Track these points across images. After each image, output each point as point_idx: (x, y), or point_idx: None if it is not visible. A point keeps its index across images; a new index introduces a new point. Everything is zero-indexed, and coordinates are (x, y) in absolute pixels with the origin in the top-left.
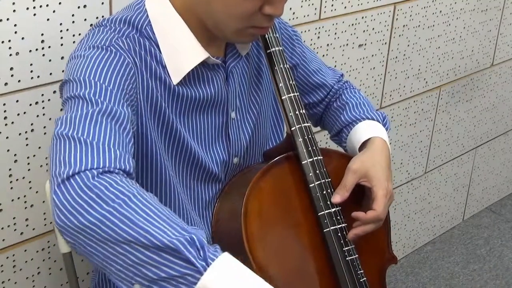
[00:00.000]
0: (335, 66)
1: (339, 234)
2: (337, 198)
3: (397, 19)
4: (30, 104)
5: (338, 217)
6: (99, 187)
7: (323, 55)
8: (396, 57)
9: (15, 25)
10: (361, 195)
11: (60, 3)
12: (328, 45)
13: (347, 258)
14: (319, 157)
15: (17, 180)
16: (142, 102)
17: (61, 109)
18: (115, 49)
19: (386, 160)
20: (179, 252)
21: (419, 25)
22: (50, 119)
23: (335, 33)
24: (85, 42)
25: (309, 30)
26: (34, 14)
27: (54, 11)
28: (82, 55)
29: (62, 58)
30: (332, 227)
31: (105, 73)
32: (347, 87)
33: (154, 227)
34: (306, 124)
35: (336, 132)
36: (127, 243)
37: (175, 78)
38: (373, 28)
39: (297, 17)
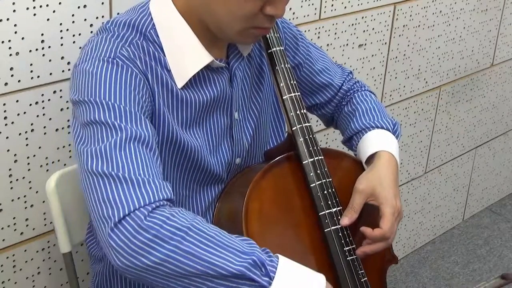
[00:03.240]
0: None
1: (339, 234)
2: (345, 220)
3: (397, 19)
4: (30, 104)
5: (339, 217)
6: (155, 227)
7: None
8: (396, 57)
9: (15, 25)
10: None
11: (60, 3)
12: (328, 45)
13: (347, 258)
14: (320, 157)
15: (17, 180)
16: (152, 110)
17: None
18: (121, 61)
19: (393, 176)
20: (245, 276)
21: (419, 25)
22: (50, 119)
23: (335, 33)
24: (90, 53)
25: (309, 30)
26: (34, 14)
27: (54, 11)
28: (90, 71)
29: (62, 58)
30: (333, 227)
31: (119, 92)
32: (357, 88)
33: (217, 257)
34: (307, 124)
35: (347, 138)
36: (195, 276)
37: (180, 82)
38: (373, 28)
39: (297, 17)
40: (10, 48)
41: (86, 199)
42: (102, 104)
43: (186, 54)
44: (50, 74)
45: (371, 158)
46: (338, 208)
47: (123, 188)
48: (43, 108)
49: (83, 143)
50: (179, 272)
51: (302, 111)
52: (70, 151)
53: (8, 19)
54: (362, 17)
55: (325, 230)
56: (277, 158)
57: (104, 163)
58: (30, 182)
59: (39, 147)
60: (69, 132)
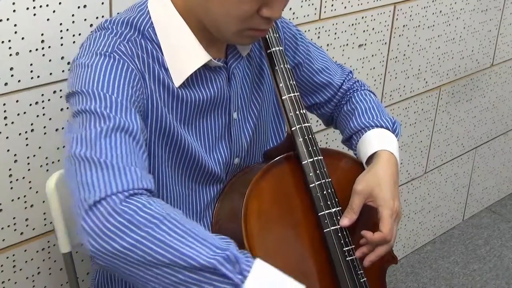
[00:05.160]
0: None
1: (339, 234)
2: (345, 221)
3: (397, 19)
4: (30, 104)
5: (339, 218)
6: (129, 212)
7: None
8: (396, 57)
9: (15, 25)
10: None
11: (60, 3)
12: (328, 45)
13: (347, 258)
14: (319, 157)
15: (17, 180)
16: (146, 107)
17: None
18: (118, 56)
19: (392, 177)
20: (217, 270)
21: (419, 25)
22: (50, 119)
23: (335, 33)
24: (87, 48)
25: (309, 30)
26: (34, 14)
27: (54, 11)
28: (86, 64)
29: (62, 58)
30: (332, 227)
31: (112, 83)
32: (357, 88)
33: (189, 248)
34: (306, 124)
35: (347, 138)
36: (165, 265)
37: (177, 81)
38: (373, 28)
39: (297, 17)
40: (10, 48)
41: (67, 184)
42: (93, 94)
43: (183, 53)
44: (50, 74)
45: (370, 158)
46: (338, 208)
47: (103, 173)
48: (43, 108)
49: (70, 131)
50: (149, 260)
51: (301, 111)
52: None
53: (8, 19)
54: (362, 17)
55: (325, 230)
56: (277, 158)
57: (88, 148)
58: (30, 182)
59: (39, 147)
60: None
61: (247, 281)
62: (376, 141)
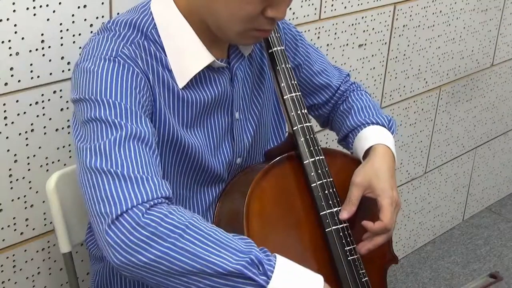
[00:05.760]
0: None
1: (340, 233)
2: (344, 214)
3: (397, 19)
4: (30, 104)
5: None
6: (152, 225)
7: None
8: (396, 57)
9: (15, 25)
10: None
11: (60, 3)
12: (328, 45)
13: (349, 258)
14: (320, 157)
15: (17, 180)
16: (152, 110)
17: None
18: (123, 60)
19: (389, 169)
20: (243, 274)
21: (419, 25)
22: (50, 119)
23: (335, 33)
24: (91, 51)
25: (309, 30)
26: (34, 14)
27: (54, 11)
28: (91, 70)
29: (62, 58)
30: (334, 227)
31: (120, 90)
32: (354, 89)
33: (215, 255)
34: (307, 124)
35: (343, 137)
36: (192, 274)
37: (181, 82)
38: (373, 28)
39: (297, 17)
40: (10, 48)
41: (83, 196)
42: (102, 101)
43: (187, 54)
44: (50, 74)
45: (367, 153)
46: (339, 208)
47: (122, 185)
48: (43, 108)
49: (82, 140)
50: (176, 270)
51: (303, 111)
52: (70, 151)
53: (8, 19)
54: (362, 17)
55: (326, 230)
56: (278, 158)
57: (103, 160)
58: (30, 182)
59: (39, 147)
60: (69, 132)
61: (272, 281)
62: (372, 136)
